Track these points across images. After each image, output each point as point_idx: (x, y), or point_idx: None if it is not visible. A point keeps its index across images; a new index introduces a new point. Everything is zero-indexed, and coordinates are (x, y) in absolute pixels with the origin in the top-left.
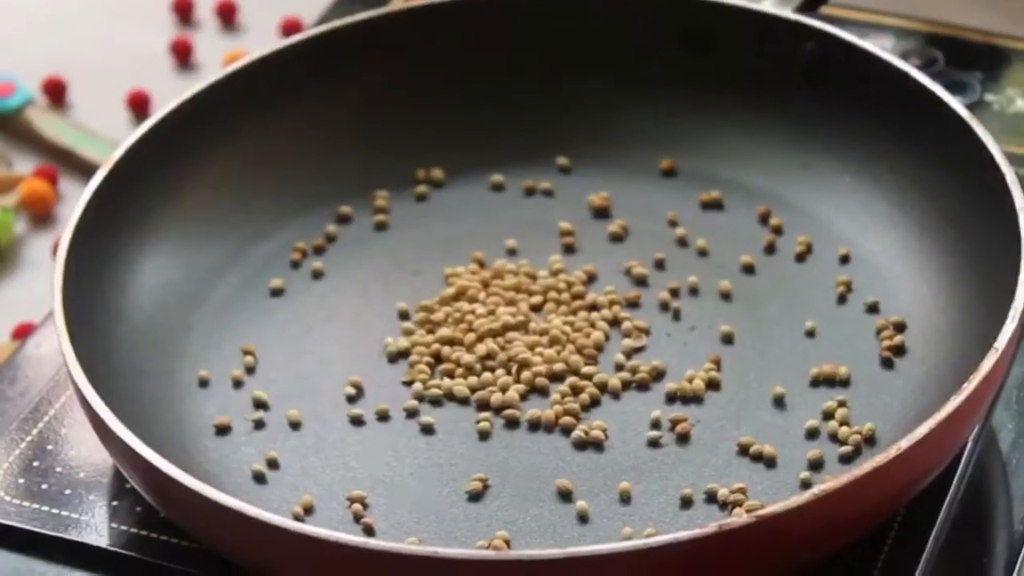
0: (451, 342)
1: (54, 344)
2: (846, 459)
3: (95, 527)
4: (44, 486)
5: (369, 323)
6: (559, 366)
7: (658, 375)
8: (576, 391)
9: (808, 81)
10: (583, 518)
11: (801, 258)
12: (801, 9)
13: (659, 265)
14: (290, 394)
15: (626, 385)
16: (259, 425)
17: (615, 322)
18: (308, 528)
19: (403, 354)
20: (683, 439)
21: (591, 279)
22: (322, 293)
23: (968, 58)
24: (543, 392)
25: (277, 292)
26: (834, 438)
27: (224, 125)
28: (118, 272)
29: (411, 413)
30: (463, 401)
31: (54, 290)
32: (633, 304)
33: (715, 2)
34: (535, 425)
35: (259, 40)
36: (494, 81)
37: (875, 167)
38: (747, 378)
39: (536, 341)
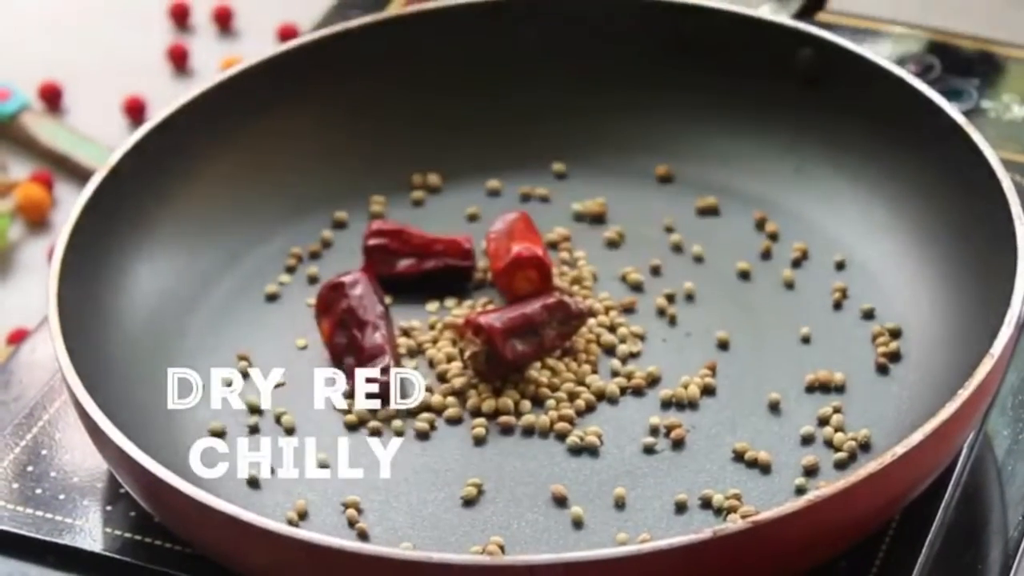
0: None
1: (49, 349)
2: (841, 465)
3: (89, 532)
4: (38, 491)
5: None
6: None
7: (653, 381)
8: (572, 397)
9: (805, 87)
10: (578, 524)
11: (797, 264)
12: (798, 15)
13: (655, 271)
14: (285, 399)
15: (622, 391)
16: (254, 430)
17: (611, 328)
18: (302, 533)
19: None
20: (678, 445)
21: None
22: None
23: (965, 65)
24: (539, 398)
25: (272, 297)
26: (829, 444)
27: (220, 130)
28: (113, 277)
29: (406, 418)
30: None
31: (49, 295)
32: (629, 310)
33: (712, 8)
34: (530, 431)
35: (255, 45)
36: (491, 87)
37: (871, 174)
38: (742, 384)
39: None
